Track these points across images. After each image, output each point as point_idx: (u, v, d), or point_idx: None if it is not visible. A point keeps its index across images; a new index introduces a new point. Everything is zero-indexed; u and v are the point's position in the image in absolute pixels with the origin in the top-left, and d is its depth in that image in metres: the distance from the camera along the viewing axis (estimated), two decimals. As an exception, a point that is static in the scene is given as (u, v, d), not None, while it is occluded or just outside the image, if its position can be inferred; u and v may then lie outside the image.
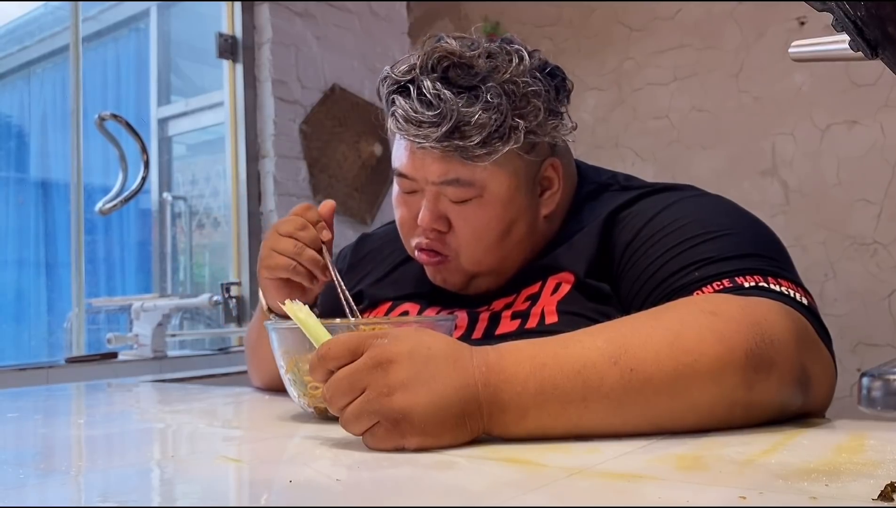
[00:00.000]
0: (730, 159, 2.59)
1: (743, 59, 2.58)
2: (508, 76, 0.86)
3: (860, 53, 0.43)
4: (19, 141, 2.96)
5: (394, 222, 1.12)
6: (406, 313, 1.00)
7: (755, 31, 2.55)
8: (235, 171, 2.68)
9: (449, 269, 0.93)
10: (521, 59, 0.88)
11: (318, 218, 0.95)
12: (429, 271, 0.96)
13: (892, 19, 0.39)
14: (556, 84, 0.91)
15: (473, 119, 0.84)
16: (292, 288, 0.93)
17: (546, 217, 0.94)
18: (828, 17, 0.42)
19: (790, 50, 0.60)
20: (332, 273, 0.93)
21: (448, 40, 0.88)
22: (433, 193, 0.90)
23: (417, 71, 0.87)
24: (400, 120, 0.87)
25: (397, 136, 0.91)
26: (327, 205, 0.97)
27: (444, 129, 0.84)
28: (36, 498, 0.53)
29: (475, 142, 0.84)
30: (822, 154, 2.44)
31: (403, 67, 0.89)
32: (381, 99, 0.93)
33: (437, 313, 0.97)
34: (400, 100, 0.87)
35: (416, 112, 0.85)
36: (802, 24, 2.46)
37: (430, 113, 0.85)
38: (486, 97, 0.84)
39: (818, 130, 2.45)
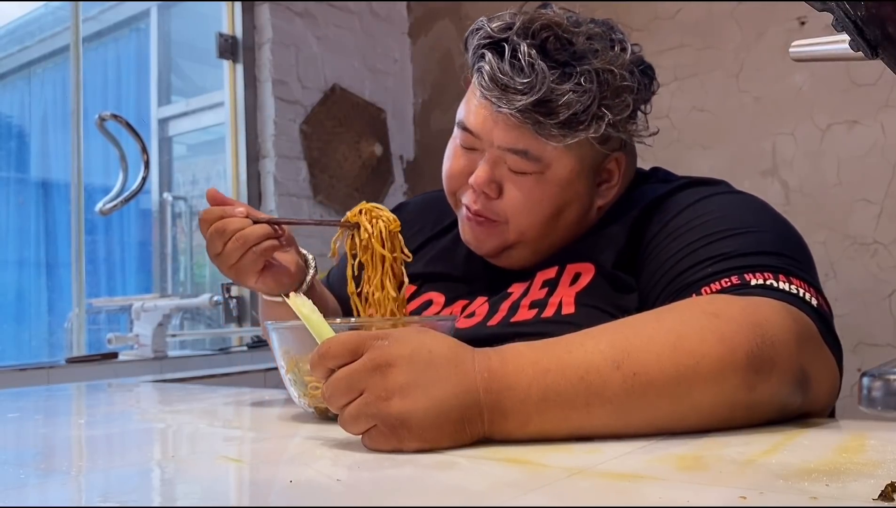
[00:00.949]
0: (730, 159, 2.59)
1: (743, 59, 2.58)
2: (605, 64, 0.84)
3: (860, 53, 0.43)
4: (20, 141, 2.96)
5: (430, 193, 1.11)
6: (430, 302, 0.99)
7: (755, 31, 2.55)
8: (236, 171, 2.68)
9: (491, 232, 0.92)
10: (624, 50, 0.86)
11: (220, 210, 0.88)
12: (464, 231, 0.95)
13: (892, 19, 0.39)
14: (647, 82, 0.90)
15: (562, 98, 0.82)
16: (271, 265, 0.91)
17: (599, 208, 0.94)
18: (828, 17, 0.42)
19: (790, 50, 0.60)
20: (280, 222, 0.91)
21: (554, 9, 0.87)
22: (494, 156, 0.88)
23: (514, 33, 0.84)
24: (486, 78, 0.84)
25: (477, 92, 0.88)
26: (210, 194, 0.91)
27: (530, 99, 0.82)
28: (36, 498, 0.53)
29: (557, 121, 0.82)
30: (823, 154, 2.44)
31: (500, 24, 0.86)
32: (465, 49, 0.90)
33: (460, 300, 0.97)
34: (490, 56, 0.85)
35: (504, 74, 0.83)
36: (803, 23, 2.46)
37: (519, 79, 0.82)
38: (580, 79, 0.82)
39: (818, 130, 2.45)
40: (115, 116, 2.19)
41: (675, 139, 2.69)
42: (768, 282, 0.73)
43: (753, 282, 0.73)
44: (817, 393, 0.69)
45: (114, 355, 2.18)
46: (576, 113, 0.82)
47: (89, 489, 0.54)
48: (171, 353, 2.29)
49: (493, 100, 0.84)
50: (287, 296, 0.71)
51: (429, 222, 1.09)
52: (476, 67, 0.87)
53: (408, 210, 1.15)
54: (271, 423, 0.81)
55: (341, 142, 2.82)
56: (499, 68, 0.83)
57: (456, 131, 0.93)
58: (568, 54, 0.84)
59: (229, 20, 2.70)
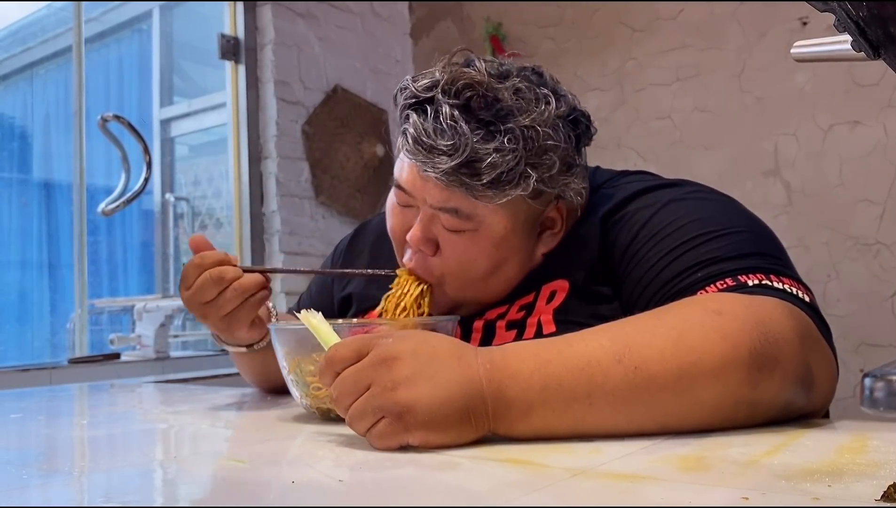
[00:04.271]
0: (732, 160, 2.59)
1: (745, 59, 2.58)
2: (530, 122, 0.82)
3: (862, 54, 0.43)
4: (22, 142, 2.96)
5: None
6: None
7: (757, 31, 2.55)
8: (238, 172, 2.68)
9: (435, 300, 0.91)
10: (548, 104, 0.84)
11: (216, 257, 0.87)
12: None
13: (893, 19, 0.39)
14: (578, 133, 0.87)
15: (486, 159, 0.80)
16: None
17: (543, 254, 0.91)
18: (830, 18, 0.42)
19: (792, 50, 0.60)
20: (271, 271, 0.91)
21: (478, 66, 0.85)
22: (428, 214, 0.87)
23: (439, 91, 0.83)
24: (409, 141, 0.84)
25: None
26: (197, 240, 0.90)
27: (454, 162, 0.81)
28: (39, 499, 0.53)
29: (483, 182, 0.81)
30: (825, 154, 2.43)
31: (425, 83, 0.84)
32: (395, 106, 0.89)
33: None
34: (414, 117, 0.84)
35: (428, 137, 0.82)
36: (805, 24, 2.45)
37: (442, 142, 0.81)
38: (504, 140, 0.81)
39: (821, 131, 2.44)
40: (117, 117, 2.19)
41: (677, 140, 2.69)
42: (763, 282, 0.73)
43: (751, 283, 0.73)
44: (820, 392, 0.70)
45: (116, 355, 2.18)
46: (502, 172, 0.81)
47: (91, 489, 0.54)
48: (174, 354, 2.29)
49: (419, 163, 0.83)
50: (298, 312, 0.73)
51: (388, 244, 1.03)
52: (402, 130, 0.86)
53: (369, 232, 1.14)
54: (273, 424, 0.82)
55: (343, 143, 2.82)
56: (423, 130, 0.82)
57: (392, 189, 0.92)
58: (492, 113, 0.82)
59: (231, 21, 2.70)
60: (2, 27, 3.06)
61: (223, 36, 2.67)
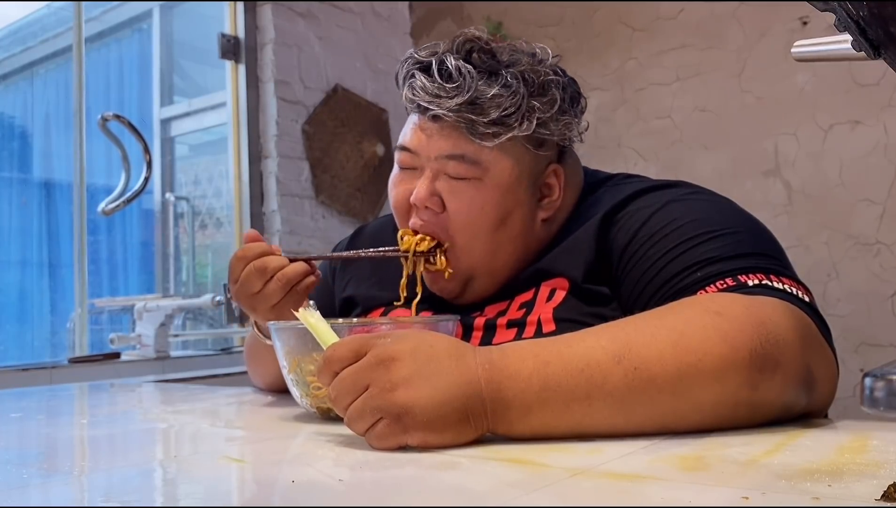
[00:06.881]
0: (733, 160, 2.59)
1: (745, 59, 2.58)
2: (530, 66, 0.87)
3: (863, 53, 0.43)
4: (22, 141, 2.96)
5: (388, 216, 1.11)
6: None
7: (758, 31, 2.55)
8: (238, 171, 2.68)
9: (444, 275, 0.91)
10: (546, 56, 0.90)
11: (259, 248, 0.90)
12: (426, 277, 0.95)
13: (894, 19, 0.39)
14: (572, 93, 0.92)
15: (491, 98, 0.85)
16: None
17: (543, 221, 0.93)
18: (830, 17, 0.42)
19: (793, 50, 0.60)
20: (311, 260, 0.92)
21: (476, 30, 0.90)
22: (433, 169, 0.89)
23: (441, 52, 0.88)
24: (417, 89, 0.87)
25: (410, 113, 0.92)
26: (250, 235, 0.93)
27: (459, 99, 0.85)
28: (39, 498, 0.53)
29: (489, 119, 0.85)
30: (825, 154, 2.43)
31: (427, 51, 0.90)
32: (398, 81, 0.92)
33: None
34: (419, 74, 0.88)
35: (434, 82, 0.86)
36: (805, 24, 2.45)
37: (448, 85, 0.85)
38: (506, 78, 0.86)
39: (821, 131, 2.44)
40: (117, 117, 2.19)
41: (677, 139, 2.69)
42: (763, 282, 0.73)
43: (751, 283, 0.73)
44: (821, 393, 0.69)
45: (116, 355, 2.18)
46: (506, 111, 0.85)
47: (92, 489, 0.54)
48: (174, 353, 2.29)
49: (426, 104, 0.87)
50: (296, 311, 0.73)
51: (387, 244, 1.02)
52: (408, 84, 0.89)
53: (365, 235, 1.14)
54: (273, 423, 0.82)
55: (343, 142, 2.82)
56: (428, 81, 0.87)
57: (395, 157, 0.94)
58: (494, 63, 0.87)
59: (231, 21, 2.70)
60: (2, 27, 3.05)
61: (223, 35, 2.67)
